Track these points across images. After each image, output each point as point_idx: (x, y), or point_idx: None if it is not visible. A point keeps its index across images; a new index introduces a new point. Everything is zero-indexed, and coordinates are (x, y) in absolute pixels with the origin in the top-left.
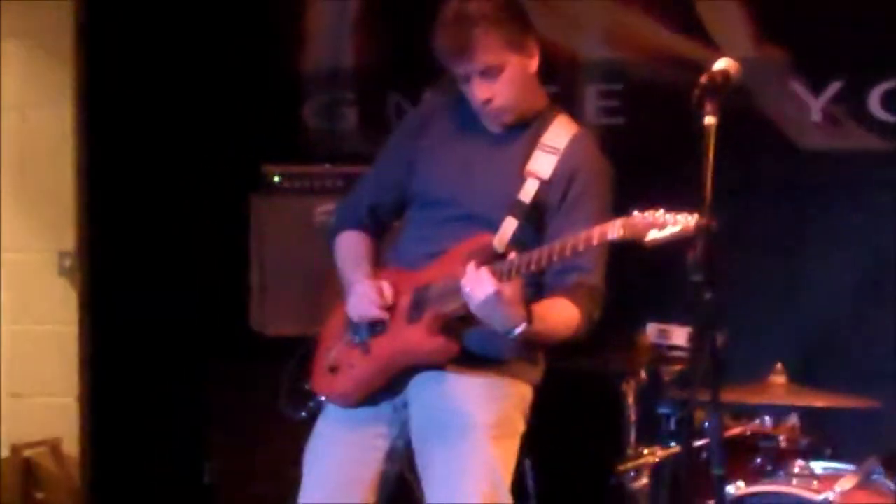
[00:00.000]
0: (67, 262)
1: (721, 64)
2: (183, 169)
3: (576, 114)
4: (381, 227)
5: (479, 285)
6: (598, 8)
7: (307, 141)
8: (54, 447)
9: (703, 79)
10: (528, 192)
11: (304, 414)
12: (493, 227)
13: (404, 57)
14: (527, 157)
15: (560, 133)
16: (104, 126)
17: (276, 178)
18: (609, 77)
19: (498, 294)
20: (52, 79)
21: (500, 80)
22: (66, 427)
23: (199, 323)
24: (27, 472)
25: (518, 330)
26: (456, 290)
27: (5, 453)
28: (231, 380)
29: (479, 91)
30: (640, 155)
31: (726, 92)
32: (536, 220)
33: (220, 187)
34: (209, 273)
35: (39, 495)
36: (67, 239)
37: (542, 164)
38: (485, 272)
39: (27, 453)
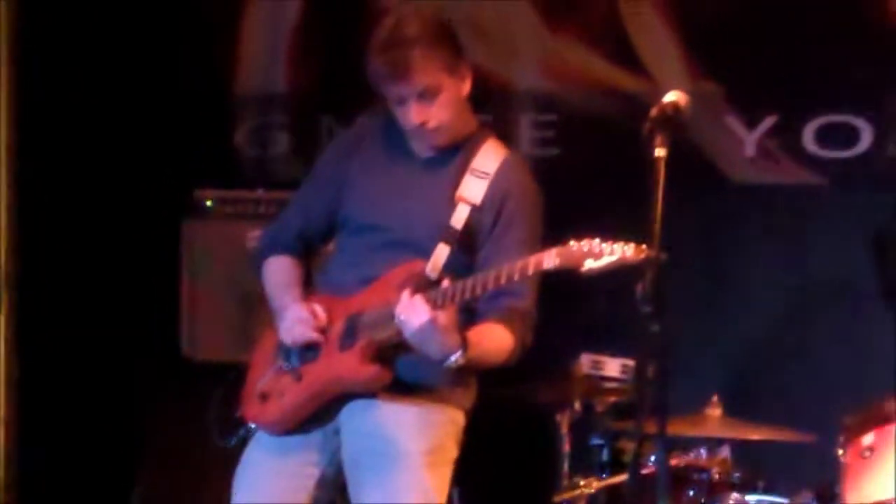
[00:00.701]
0: None
1: (671, 96)
2: (114, 191)
3: (510, 144)
4: (309, 252)
5: (413, 313)
6: (532, 37)
7: (239, 165)
8: None
9: (654, 111)
10: (459, 217)
11: (233, 441)
12: (425, 253)
13: (337, 80)
14: (457, 182)
15: (490, 157)
16: (34, 145)
17: (209, 203)
18: (543, 107)
19: (433, 322)
20: None
21: (435, 103)
22: None
23: (129, 347)
24: None
25: (453, 357)
26: (389, 318)
27: None
28: (162, 405)
29: (415, 113)
30: (575, 186)
31: (676, 124)
32: (468, 246)
33: (151, 211)
34: (140, 297)
35: None
36: None
37: (473, 189)
38: (419, 299)
39: None
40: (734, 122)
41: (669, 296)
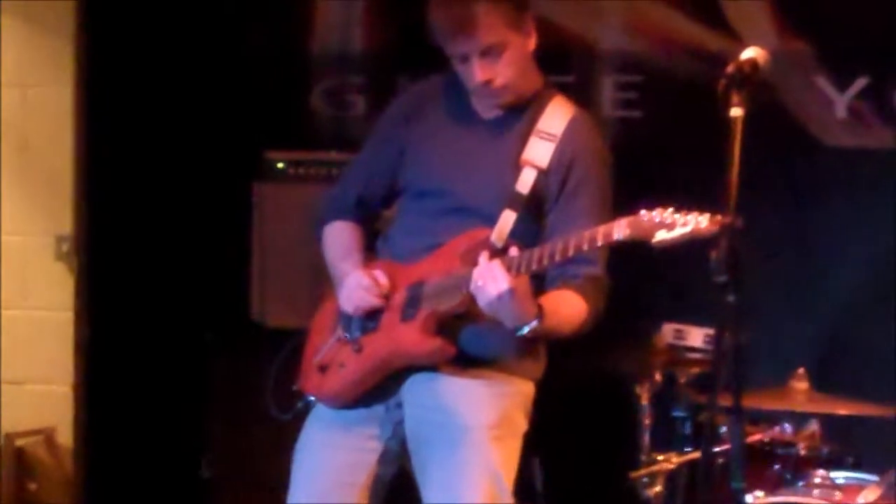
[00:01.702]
0: (65, 247)
1: (749, 53)
2: (185, 153)
3: (592, 105)
4: (370, 217)
5: (492, 281)
6: None
7: (314, 127)
8: (48, 437)
9: (730, 68)
10: (525, 182)
11: (291, 415)
12: (490, 219)
13: (414, 40)
14: (522, 144)
15: (556, 117)
16: (105, 107)
17: (280, 165)
18: (627, 68)
19: (512, 290)
20: (53, 56)
21: (501, 61)
22: (61, 416)
23: (198, 312)
24: (20, 461)
25: (529, 326)
26: (452, 287)
27: None
28: (230, 371)
29: (480, 71)
30: (657, 149)
31: (754, 83)
32: (535, 212)
33: (222, 173)
34: (210, 261)
35: (32, 486)
36: (66, 222)
37: (539, 151)
38: (498, 267)
39: (20, 442)
40: (825, 84)
41: (746, 264)
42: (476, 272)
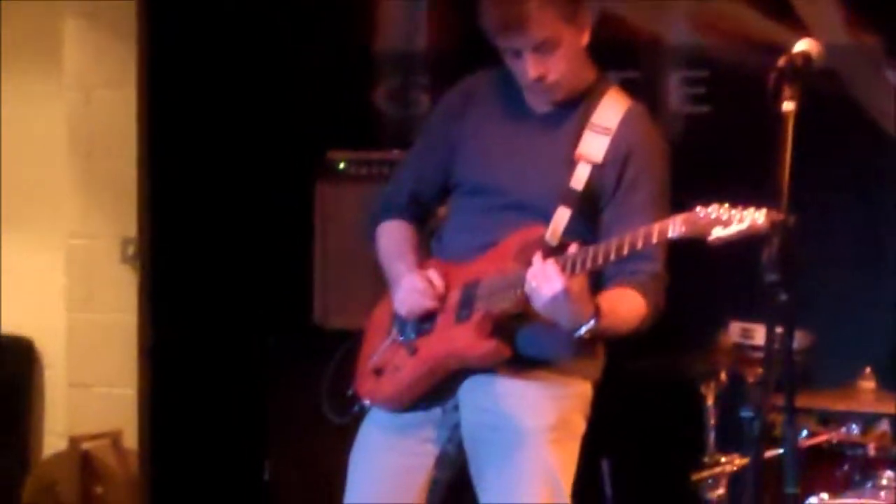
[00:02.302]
0: (130, 249)
1: (802, 45)
2: (247, 154)
3: (659, 101)
4: (423, 214)
5: (546, 281)
6: None
7: (377, 126)
8: (115, 440)
9: (782, 61)
10: (579, 178)
11: (347, 419)
12: (545, 216)
13: (480, 39)
14: (577, 139)
15: (611, 110)
16: (168, 109)
17: (342, 165)
18: (694, 63)
19: (567, 291)
20: (116, 58)
21: (554, 56)
22: (127, 419)
23: (261, 315)
24: (86, 465)
25: (586, 327)
26: (507, 287)
27: (64, 445)
28: (292, 374)
29: (533, 67)
30: (726, 145)
31: (807, 76)
32: (590, 208)
33: (285, 173)
34: (272, 263)
35: (98, 489)
36: (131, 225)
37: (594, 146)
38: (552, 267)
39: (86, 446)
40: (894, 77)
41: (803, 262)
42: (530, 273)
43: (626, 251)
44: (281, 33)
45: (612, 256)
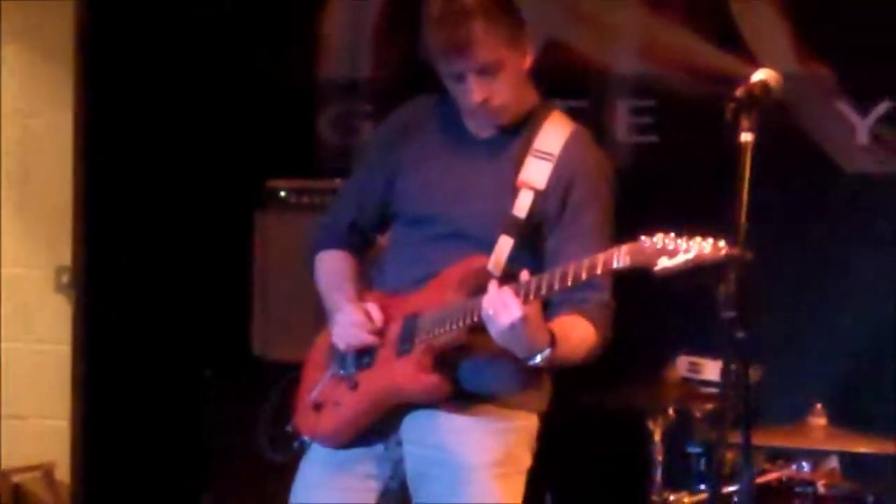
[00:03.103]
0: (65, 278)
1: (760, 75)
2: (186, 182)
3: (606, 130)
4: (363, 244)
5: (504, 308)
6: (632, 19)
7: (319, 155)
8: (47, 472)
9: (740, 91)
10: (522, 205)
11: (286, 456)
12: (486, 245)
13: (423, 68)
14: (519, 165)
15: (553, 135)
16: (106, 136)
17: (283, 194)
18: (642, 92)
19: (525, 318)
20: (54, 85)
21: (497, 79)
22: (60, 451)
23: (198, 346)
24: (17, 497)
25: (541, 355)
26: (449, 319)
27: None
28: (231, 407)
29: (477, 90)
30: (674, 175)
31: (766, 106)
32: (533, 236)
33: (224, 202)
34: (210, 293)
35: None
36: (66, 254)
37: (536, 172)
38: (509, 294)
39: (17, 478)
40: (846, 108)
41: (758, 299)
42: (486, 301)
43: (569, 282)
44: (221, 59)
45: (567, 283)
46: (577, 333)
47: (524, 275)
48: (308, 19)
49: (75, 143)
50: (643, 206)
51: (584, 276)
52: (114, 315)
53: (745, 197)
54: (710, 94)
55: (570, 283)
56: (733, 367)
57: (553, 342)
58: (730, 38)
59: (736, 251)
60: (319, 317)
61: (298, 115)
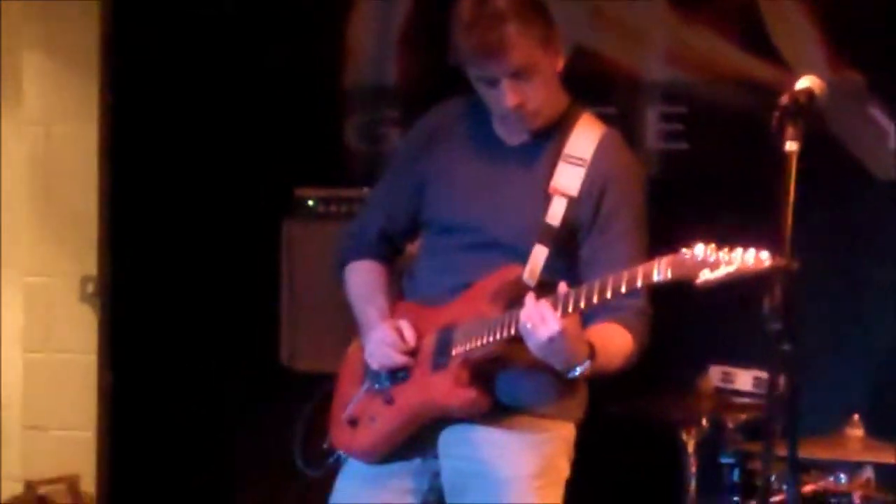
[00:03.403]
0: (90, 288)
1: (804, 83)
2: (213, 191)
3: (635, 137)
4: (393, 253)
5: (542, 323)
6: (661, 24)
7: (347, 162)
8: (72, 484)
9: (785, 99)
10: (555, 213)
11: (321, 471)
12: (520, 254)
13: (451, 74)
14: (551, 171)
15: (584, 139)
16: (131, 144)
17: (311, 202)
18: (672, 99)
19: (564, 332)
20: (77, 93)
21: (531, 83)
22: (85, 463)
23: (226, 355)
24: None
25: (581, 368)
26: (485, 332)
27: (20, 489)
28: (259, 418)
29: (511, 95)
30: (704, 183)
31: (810, 114)
32: (567, 244)
33: (252, 210)
34: (238, 302)
35: None
36: (91, 263)
37: (569, 178)
38: (547, 307)
39: (42, 490)
40: (879, 115)
41: (803, 310)
42: (524, 314)
43: (609, 295)
44: (248, 67)
45: (606, 296)
46: (616, 342)
47: (562, 287)
48: (335, 25)
49: (100, 151)
50: (672, 215)
51: (623, 289)
52: (140, 324)
53: (790, 206)
54: (741, 101)
55: (609, 296)
56: (779, 380)
57: (592, 354)
58: (761, 44)
59: (782, 262)
60: (348, 327)
61: (325, 122)
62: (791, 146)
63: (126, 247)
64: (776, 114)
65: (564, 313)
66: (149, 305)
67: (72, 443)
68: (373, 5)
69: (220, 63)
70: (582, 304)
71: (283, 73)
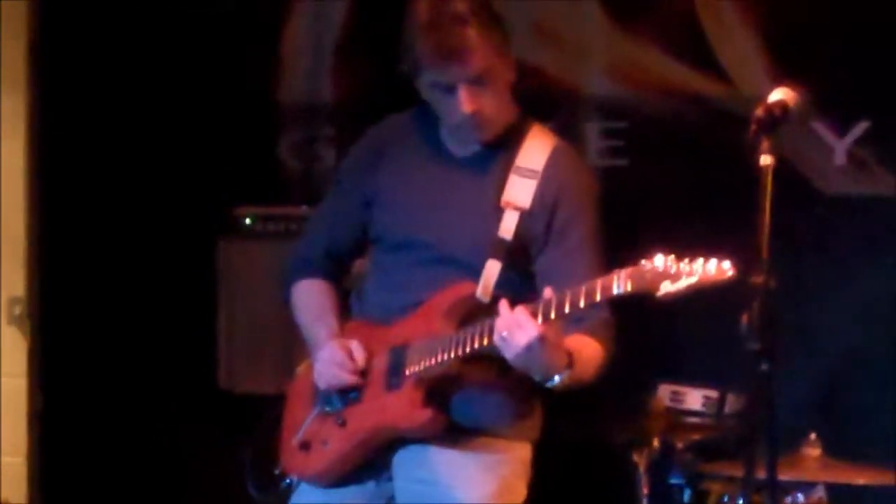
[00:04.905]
0: (17, 310)
1: (778, 94)
2: (146, 209)
3: None
4: (339, 271)
5: (519, 328)
6: (601, 38)
7: (282, 181)
8: None
9: (759, 111)
10: (507, 227)
11: (272, 497)
12: (473, 270)
13: (388, 89)
14: (502, 184)
15: (536, 151)
16: (60, 161)
17: (248, 221)
18: (612, 114)
19: (543, 338)
20: (4, 110)
21: (487, 90)
22: (14, 489)
23: (161, 378)
24: None
25: (559, 377)
26: (439, 350)
27: None
28: (199, 442)
29: (468, 101)
30: (646, 198)
31: (784, 126)
32: (521, 258)
33: (186, 230)
34: (173, 323)
35: None
36: (18, 284)
37: (520, 191)
38: (523, 313)
39: None
40: (823, 129)
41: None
42: (500, 322)
43: (567, 310)
44: (182, 83)
45: (564, 311)
46: (588, 352)
47: (547, 292)
48: (268, 40)
49: (28, 169)
50: (616, 230)
51: (581, 303)
52: (71, 347)
53: (766, 221)
54: (683, 116)
55: (567, 311)
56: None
57: (571, 363)
58: (703, 57)
59: (759, 279)
60: (287, 348)
61: (260, 139)
62: (766, 160)
63: (56, 267)
64: (751, 126)
65: (544, 319)
66: (80, 327)
67: (2, 469)
68: (307, 17)
69: (152, 78)
70: (564, 310)
71: (216, 88)
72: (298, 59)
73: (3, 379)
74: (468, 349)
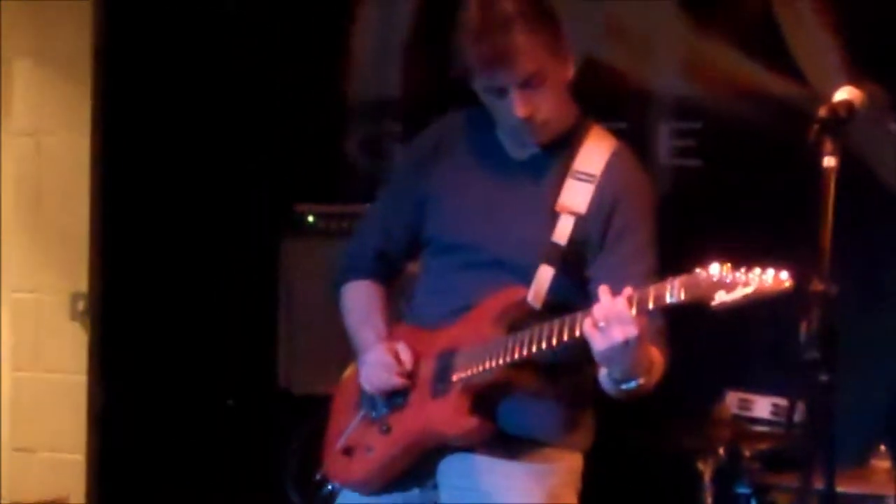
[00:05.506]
0: (80, 305)
1: (843, 94)
2: (209, 208)
3: (647, 154)
4: (391, 272)
5: (619, 322)
6: (674, 37)
7: (348, 178)
8: None
9: (823, 112)
10: (562, 232)
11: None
12: (525, 274)
13: (454, 85)
14: (558, 188)
15: (594, 154)
16: (123, 157)
17: (310, 219)
18: (685, 114)
19: (641, 337)
20: (69, 104)
21: (541, 92)
22: (74, 486)
23: (221, 377)
24: None
25: (636, 382)
26: (488, 356)
27: None
28: (255, 442)
29: (521, 104)
30: (718, 201)
31: (859, 127)
32: (575, 264)
33: (249, 229)
34: (234, 322)
35: None
36: (81, 279)
37: (577, 195)
38: (625, 307)
39: None
40: None
41: (841, 338)
42: (598, 311)
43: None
44: (246, 79)
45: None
46: (658, 361)
47: (627, 290)
48: (336, 38)
49: (92, 164)
50: (684, 233)
51: (634, 311)
52: (132, 344)
53: (829, 226)
54: (757, 117)
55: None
56: (816, 413)
57: (650, 370)
58: (777, 56)
59: (820, 287)
60: (347, 349)
61: (326, 136)
62: (829, 161)
63: (118, 263)
64: (814, 127)
65: (643, 313)
66: (141, 324)
67: (60, 465)
68: (375, 15)
69: (217, 74)
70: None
71: (283, 85)
72: (366, 56)
73: (64, 375)
74: (515, 356)
